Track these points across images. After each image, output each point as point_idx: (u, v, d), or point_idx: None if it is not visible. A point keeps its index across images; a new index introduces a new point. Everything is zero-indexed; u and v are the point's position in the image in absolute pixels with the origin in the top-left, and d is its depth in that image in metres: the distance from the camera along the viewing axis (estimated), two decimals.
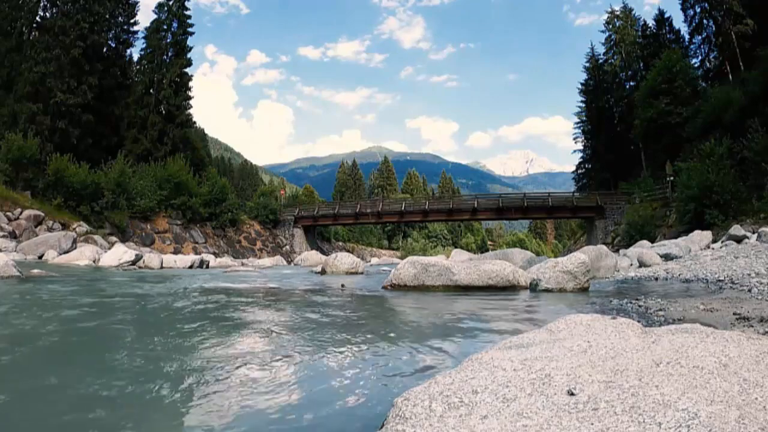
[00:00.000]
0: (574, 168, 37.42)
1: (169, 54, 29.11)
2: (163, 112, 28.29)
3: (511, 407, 1.01)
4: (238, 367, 1.94)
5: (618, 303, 3.78)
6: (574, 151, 38.08)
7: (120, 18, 28.31)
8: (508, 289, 5.13)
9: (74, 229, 16.84)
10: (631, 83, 31.84)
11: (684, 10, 27.03)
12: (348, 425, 1.35)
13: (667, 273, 6.35)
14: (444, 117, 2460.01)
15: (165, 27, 29.32)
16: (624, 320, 1.62)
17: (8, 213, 15.74)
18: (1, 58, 24.13)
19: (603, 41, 34.18)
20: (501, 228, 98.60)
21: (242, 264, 15.03)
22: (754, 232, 11.08)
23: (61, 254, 12.10)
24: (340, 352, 2.26)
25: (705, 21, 26.28)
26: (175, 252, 19.56)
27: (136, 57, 30.31)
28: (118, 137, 26.31)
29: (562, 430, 0.90)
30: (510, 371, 1.21)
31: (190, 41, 30.38)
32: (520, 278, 5.28)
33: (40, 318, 3.16)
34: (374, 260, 30.53)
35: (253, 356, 2.15)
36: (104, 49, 26.62)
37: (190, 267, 11.27)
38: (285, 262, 18.76)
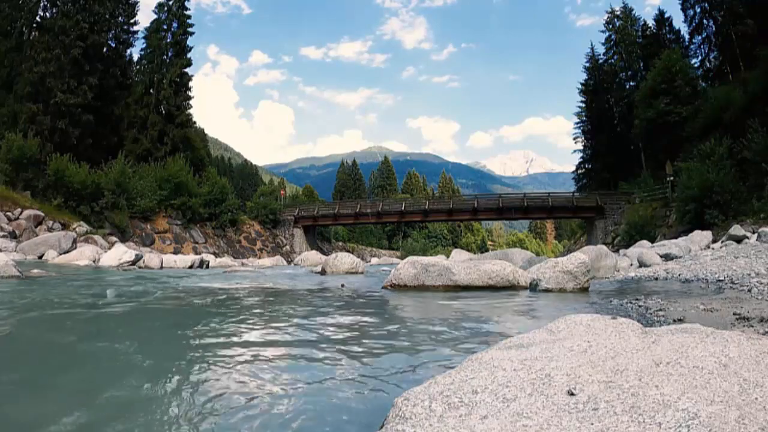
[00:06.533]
0: (574, 168, 37.35)
1: (169, 54, 29.15)
2: (163, 112, 28.32)
3: (511, 407, 1.01)
4: (237, 367, 1.94)
5: (618, 303, 3.77)
6: (574, 151, 38.01)
7: (120, 18, 28.35)
8: (508, 289, 5.13)
9: (74, 229, 16.83)
10: (631, 83, 31.81)
11: (684, 10, 27.08)
12: (348, 425, 1.35)
13: (667, 273, 6.35)
14: (445, 117, 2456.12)
15: (165, 27, 29.37)
16: (624, 320, 1.62)
17: (8, 213, 15.75)
18: (1, 58, 24.14)
19: (603, 41, 34.15)
20: (501, 228, 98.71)
21: (242, 264, 15.02)
22: (754, 232, 11.07)
23: (61, 254, 12.10)
24: (340, 352, 2.26)
25: (705, 21, 26.32)
26: (175, 252, 19.55)
27: (136, 57, 30.46)
28: (118, 137, 26.31)
29: (562, 430, 0.90)
30: (510, 371, 1.21)
31: (190, 41, 30.50)
32: (520, 278, 5.28)
33: (40, 318, 3.16)
34: (374, 260, 30.55)
35: (252, 356, 2.15)
36: (104, 49, 26.64)
37: (190, 267, 11.26)
38: (285, 262, 18.74)
